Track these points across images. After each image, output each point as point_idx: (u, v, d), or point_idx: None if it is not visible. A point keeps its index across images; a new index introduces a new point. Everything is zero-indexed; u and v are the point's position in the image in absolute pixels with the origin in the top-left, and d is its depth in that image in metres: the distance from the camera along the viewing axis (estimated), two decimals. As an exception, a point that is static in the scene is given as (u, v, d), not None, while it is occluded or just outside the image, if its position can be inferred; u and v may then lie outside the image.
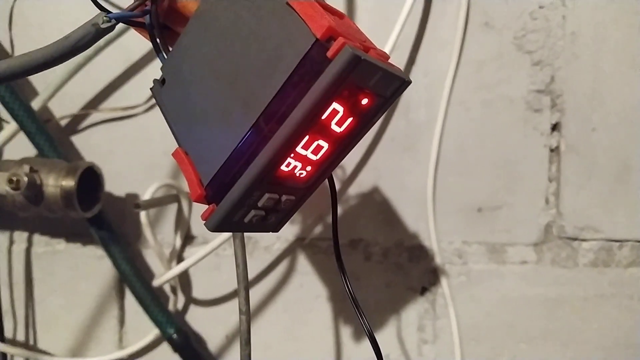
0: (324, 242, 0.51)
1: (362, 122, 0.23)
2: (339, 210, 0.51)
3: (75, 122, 0.54)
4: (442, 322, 0.50)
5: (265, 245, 0.52)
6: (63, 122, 0.54)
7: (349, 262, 0.51)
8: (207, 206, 0.24)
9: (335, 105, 0.21)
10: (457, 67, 0.47)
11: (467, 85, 0.47)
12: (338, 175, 0.50)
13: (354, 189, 0.50)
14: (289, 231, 0.51)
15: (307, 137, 0.22)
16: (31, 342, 0.56)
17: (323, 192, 0.50)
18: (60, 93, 0.52)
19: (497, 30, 0.46)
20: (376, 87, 0.21)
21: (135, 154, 0.53)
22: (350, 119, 0.22)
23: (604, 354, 0.48)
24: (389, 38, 0.45)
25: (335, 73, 0.19)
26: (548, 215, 0.47)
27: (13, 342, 0.56)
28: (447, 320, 0.49)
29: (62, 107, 0.53)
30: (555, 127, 0.46)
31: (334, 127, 0.22)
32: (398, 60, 0.48)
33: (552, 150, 0.47)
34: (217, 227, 0.23)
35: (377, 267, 0.51)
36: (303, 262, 0.52)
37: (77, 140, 0.54)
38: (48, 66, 0.23)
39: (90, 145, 0.54)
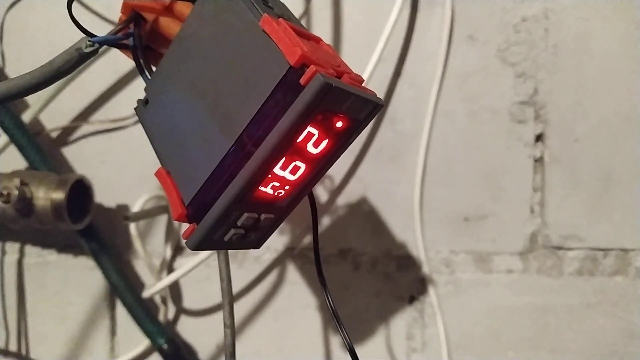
0: (313, 252, 0.51)
1: (338, 143, 0.23)
2: (328, 220, 0.51)
3: (66, 134, 0.54)
4: (430, 330, 0.50)
5: (255, 256, 0.52)
6: (54, 135, 0.54)
7: (338, 271, 0.51)
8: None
9: (310, 128, 0.22)
10: (442, 79, 0.48)
11: (452, 96, 0.48)
12: (326, 185, 0.51)
13: (343, 199, 0.51)
14: (279, 241, 0.52)
15: (284, 159, 0.22)
16: (23, 352, 0.56)
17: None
18: (50, 105, 0.53)
19: (481, 43, 0.47)
20: (349, 110, 0.22)
21: (125, 166, 0.53)
22: (325, 141, 0.23)
23: (590, 360, 0.48)
24: (374, 50, 0.45)
25: (307, 100, 0.20)
26: (533, 225, 0.48)
27: (5, 353, 0.56)
28: (436, 329, 0.50)
29: (53, 120, 0.54)
30: (539, 137, 0.47)
31: (310, 148, 0.23)
32: (384, 72, 0.49)
33: (536, 161, 0.47)
34: (197, 246, 0.24)
35: (366, 276, 0.51)
36: (292, 272, 0.52)
37: (68, 152, 0.54)
38: (33, 91, 0.23)
39: (80, 157, 0.54)
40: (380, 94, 0.49)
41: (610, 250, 0.47)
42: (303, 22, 0.49)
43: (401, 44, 0.48)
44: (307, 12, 0.49)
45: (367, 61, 0.45)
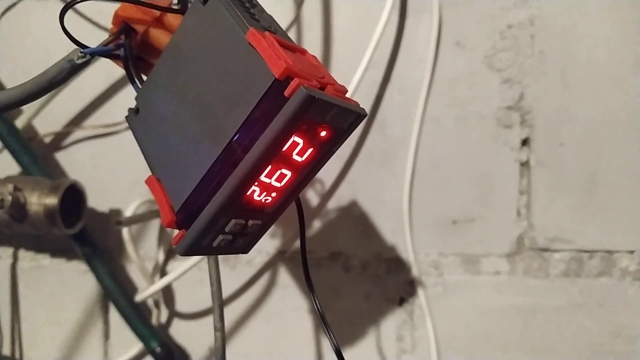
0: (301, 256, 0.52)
1: (322, 152, 0.24)
2: (319, 224, 0.52)
3: (59, 140, 0.55)
4: (420, 332, 0.51)
5: (247, 259, 0.53)
6: (47, 140, 0.55)
7: (329, 274, 0.52)
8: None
9: (295, 138, 0.22)
10: (431, 84, 0.48)
11: (440, 102, 0.49)
12: (317, 189, 0.52)
13: (333, 203, 0.51)
14: (270, 245, 0.53)
15: (270, 167, 0.23)
16: (17, 356, 0.57)
17: (303, 207, 0.52)
18: (44, 111, 0.53)
19: (468, 50, 0.48)
20: (333, 120, 0.23)
21: (117, 170, 0.54)
22: (310, 150, 0.24)
23: (577, 360, 0.49)
24: (364, 56, 0.46)
25: (291, 111, 0.20)
26: (520, 227, 0.49)
27: (-1, 357, 0.57)
28: (425, 330, 0.50)
29: (46, 125, 0.54)
30: (525, 142, 0.48)
31: (295, 157, 0.23)
32: (374, 78, 0.49)
33: (522, 165, 0.48)
34: (186, 252, 0.24)
35: (356, 279, 0.52)
36: (284, 275, 0.53)
37: (61, 157, 0.55)
38: (27, 102, 0.24)
39: (73, 162, 0.55)
40: (370, 99, 0.50)
41: (595, 252, 0.48)
42: (294, 28, 0.50)
43: (390, 50, 0.49)
44: (297, 18, 0.50)
45: (356, 67, 0.46)
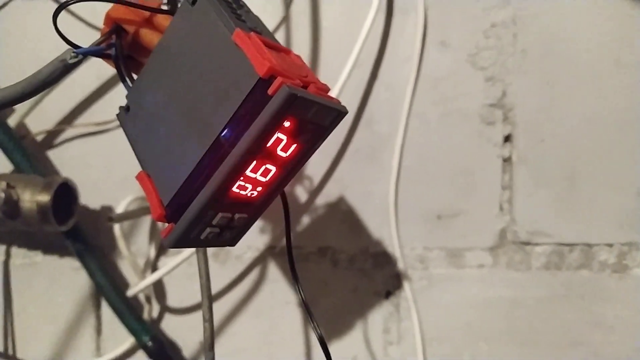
0: (293, 250, 0.53)
1: (306, 147, 0.25)
2: (307, 219, 0.53)
3: (51, 138, 0.55)
4: (406, 324, 0.52)
5: (237, 254, 0.54)
6: (39, 138, 0.55)
7: (318, 268, 0.53)
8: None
9: (278, 134, 0.23)
10: (416, 82, 0.50)
11: (425, 99, 0.50)
12: (306, 185, 0.53)
13: (321, 199, 0.53)
14: (260, 240, 0.54)
15: (255, 162, 0.24)
16: (10, 351, 0.58)
17: (291, 204, 0.53)
18: (36, 109, 0.54)
19: (452, 48, 0.49)
20: (315, 117, 0.24)
21: (109, 168, 0.55)
22: (294, 145, 0.25)
23: (559, 351, 0.51)
24: (351, 55, 0.47)
25: (274, 109, 0.21)
26: (502, 222, 0.50)
27: (-8, 353, 0.57)
28: (411, 323, 0.52)
29: (38, 123, 0.55)
30: (507, 138, 0.49)
31: (279, 152, 0.25)
32: (361, 76, 0.50)
33: (504, 160, 0.49)
34: (175, 244, 0.25)
35: (344, 273, 0.53)
36: (273, 270, 0.54)
37: (53, 154, 0.56)
38: (20, 101, 0.25)
39: (65, 159, 0.55)
40: (357, 97, 0.51)
41: (575, 245, 0.50)
42: (282, 27, 0.51)
43: (377, 49, 0.50)
44: (286, 17, 0.51)
45: (344, 65, 0.47)
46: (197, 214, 0.24)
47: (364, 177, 0.52)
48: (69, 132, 0.55)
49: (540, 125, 0.49)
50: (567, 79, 0.48)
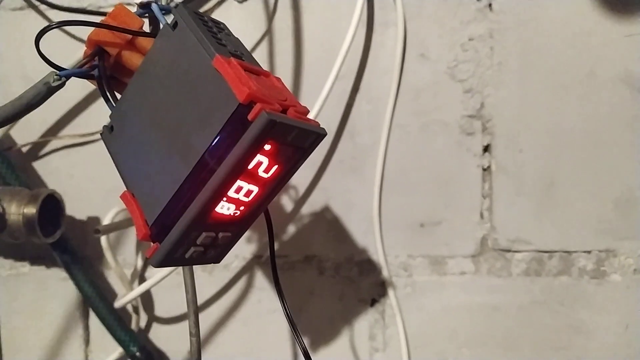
0: (279, 259, 0.54)
1: (286, 168, 0.26)
2: (293, 228, 0.54)
3: (37, 149, 0.56)
4: (391, 330, 0.53)
5: (224, 264, 0.55)
6: (24, 149, 0.55)
7: (304, 276, 0.54)
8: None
9: (259, 157, 0.24)
10: (397, 94, 0.51)
11: (406, 110, 0.51)
12: (291, 195, 0.54)
13: (307, 209, 0.53)
14: (247, 250, 0.54)
15: (237, 184, 0.25)
16: (-3, 363, 0.58)
17: (277, 213, 0.54)
18: (21, 121, 0.54)
19: (432, 61, 0.50)
20: (295, 140, 0.25)
21: (94, 179, 0.55)
22: (275, 167, 0.25)
23: (540, 356, 0.52)
24: (333, 67, 0.48)
25: (254, 134, 0.22)
26: (483, 229, 0.51)
27: (-21, 365, 0.57)
28: (396, 329, 0.53)
29: (23, 135, 0.55)
30: (486, 148, 0.50)
31: (261, 174, 0.25)
32: (343, 88, 0.51)
33: (484, 170, 0.51)
34: (160, 264, 0.26)
35: (330, 281, 0.54)
36: (260, 279, 0.55)
37: (39, 166, 0.56)
38: (4, 125, 0.25)
39: (51, 170, 0.56)
40: (340, 109, 0.52)
41: (554, 252, 0.51)
42: (265, 41, 0.52)
43: (358, 62, 0.51)
44: (269, 31, 0.52)
45: (326, 78, 0.48)
46: (181, 234, 0.25)
47: (348, 187, 0.52)
48: (54, 144, 0.55)
49: (518, 136, 0.50)
50: (543, 90, 0.49)
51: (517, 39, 0.49)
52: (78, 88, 0.54)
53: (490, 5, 0.49)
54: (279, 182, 0.27)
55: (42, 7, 0.53)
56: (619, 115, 0.48)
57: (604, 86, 0.48)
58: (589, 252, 0.50)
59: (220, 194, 0.24)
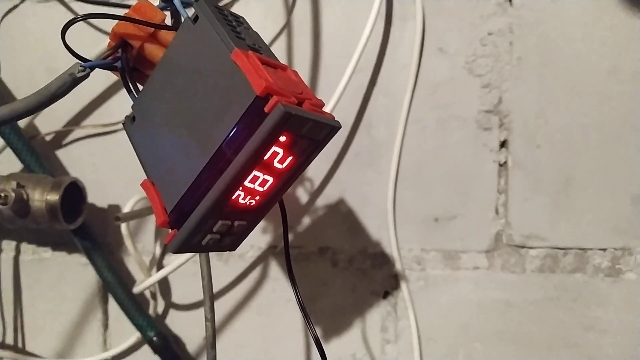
0: (294, 249, 0.55)
1: (301, 159, 0.27)
2: (308, 220, 0.54)
3: (60, 138, 0.57)
4: (403, 323, 0.54)
5: (240, 253, 0.56)
6: (48, 138, 0.57)
7: (318, 268, 0.55)
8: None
9: (275, 148, 0.25)
10: (414, 88, 0.51)
11: (423, 105, 0.51)
12: (307, 187, 0.54)
13: (322, 201, 0.54)
14: (262, 240, 0.55)
15: (253, 174, 0.25)
16: (20, 345, 0.60)
17: (293, 205, 0.54)
18: (45, 111, 0.55)
19: (450, 56, 0.50)
20: (310, 132, 0.25)
21: (116, 168, 0.56)
22: (290, 158, 0.26)
23: (552, 352, 0.52)
24: (351, 61, 0.48)
25: (270, 126, 0.23)
26: (498, 225, 0.51)
27: (2, 346, 0.59)
28: (408, 322, 0.53)
29: (47, 124, 0.57)
30: (503, 144, 0.50)
31: (276, 164, 0.26)
32: (360, 82, 0.52)
33: (500, 165, 0.51)
34: (177, 250, 0.27)
35: (343, 273, 0.54)
36: (275, 269, 0.55)
37: (62, 154, 0.57)
38: (31, 114, 0.26)
39: (74, 159, 0.57)
40: (357, 102, 0.52)
41: (569, 249, 0.51)
42: (284, 34, 0.52)
43: (376, 56, 0.51)
44: (287, 24, 0.52)
45: (344, 71, 0.48)
46: (198, 222, 0.26)
47: (363, 180, 0.53)
48: (77, 133, 0.57)
49: (535, 132, 0.50)
50: (562, 86, 0.49)
51: (537, 35, 0.49)
52: (101, 79, 0.55)
53: (510, 0, 0.49)
54: (294, 173, 0.28)
55: (67, -2, 0.55)
56: (637, 113, 0.48)
57: (623, 83, 0.48)
58: (604, 249, 0.50)
59: (236, 183, 0.25)
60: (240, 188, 0.26)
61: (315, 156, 0.28)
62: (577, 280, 0.51)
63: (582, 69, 0.49)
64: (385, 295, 0.54)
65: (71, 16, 0.55)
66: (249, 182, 0.26)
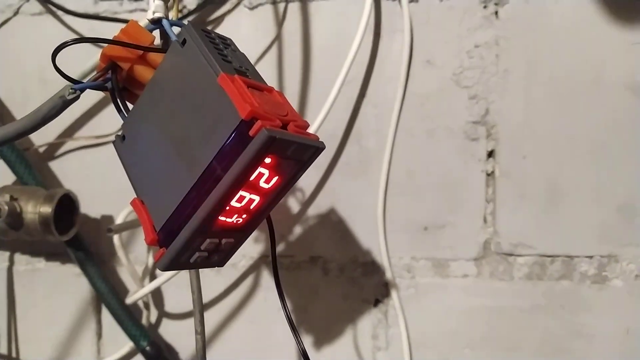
0: (286, 259, 0.55)
1: (287, 179, 0.27)
2: (300, 229, 0.55)
3: (53, 150, 0.58)
4: (393, 330, 0.54)
5: (232, 263, 0.56)
6: (41, 150, 0.57)
7: (309, 276, 0.55)
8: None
9: (260, 169, 0.25)
10: (403, 99, 0.52)
11: (412, 116, 0.52)
12: (298, 197, 0.55)
13: (313, 210, 0.55)
14: (254, 250, 0.56)
15: (239, 194, 0.26)
16: (14, 355, 0.60)
17: (284, 215, 0.55)
18: (38, 123, 0.56)
19: (437, 67, 0.51)
20: (294, 154, 0.26)
21: (109, 179, 0.57)
22: (276, 178, 0.27)
23: (539, 357, 0.53)
24: (340, 73, 0.49)
25: (254, 150, 0.23)
26: (486, 233, 0.52)
27: (-3, 356, 0.60)
28: (398, 329, 0.54)
29: (40, 136, 0.57)
30: (490, 154, 0.51)
31: (262, 184, 0.27)
32: (350, 93, 0.52)
33: (488, 175, 0.51)
34: (166, 268, 0.27)
35: (334, 281, 0.55)
36: (266, 278, 0.56)
37: (55, 166, 0.58)
38: (22, 136, 0.27)
39: (66, 171, 0.58)
40: (347, 113, 0.53)
41: (556, 256, 0.51)
42: (274, 46, 0.53)
43: (365, 67, 0.52)
44: (278, 36, 0.53)
45: (334, 82, 0.49)
46: (186, 241, 0.26)
47: (354, 189, 0.54)
48: (70, 145, 0.57)
49: (522, 142, 0.51)
50: (547, 97, 0.50)
51: (523, 47, 0.50)
52: (93, 92, 0.55)
53: (496, 12, 0.50)
54: (280, 192, 0.28)
55: (60, 12, 0.55)
56: (623, 122, 0.49)
57: (608, 94, 0.49)
58: (591, 257, 0.51)
59: (223, 203, 0.26)
60: (227, 208, 0.26)
61: (301, 175, 0.28)
62: (565, 287, 0.52)
63: (567, 79, 0.49)
64: (376, 303, 0.55)
65: (63, 29, 0.56)
66: (236, 201, 0.26)
